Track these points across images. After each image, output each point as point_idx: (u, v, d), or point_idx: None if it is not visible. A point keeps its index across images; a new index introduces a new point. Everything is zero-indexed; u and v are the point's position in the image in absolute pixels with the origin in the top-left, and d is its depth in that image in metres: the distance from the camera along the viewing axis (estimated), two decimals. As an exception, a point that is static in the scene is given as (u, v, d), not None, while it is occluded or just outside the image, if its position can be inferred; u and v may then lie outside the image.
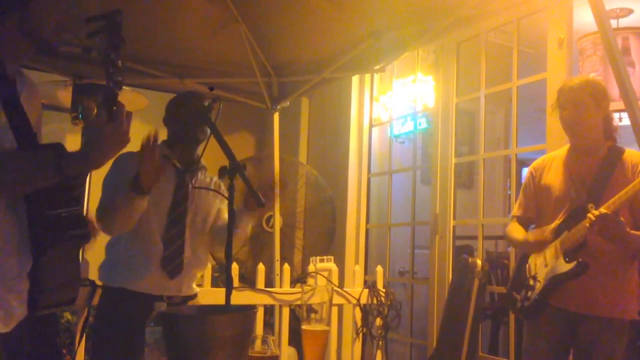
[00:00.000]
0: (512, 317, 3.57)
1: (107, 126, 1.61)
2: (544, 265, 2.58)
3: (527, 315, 2.67)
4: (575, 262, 2.45)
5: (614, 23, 4.13)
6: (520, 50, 3.68)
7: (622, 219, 2.34)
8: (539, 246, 2.59)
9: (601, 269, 2.46)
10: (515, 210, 2.82)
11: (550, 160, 2.72)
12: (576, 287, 2.48)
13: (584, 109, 2.54)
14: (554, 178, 2.65)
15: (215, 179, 2.73)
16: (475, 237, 3.97)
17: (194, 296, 2.73)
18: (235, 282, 3.25)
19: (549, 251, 2.57)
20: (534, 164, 2.80)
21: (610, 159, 2.53)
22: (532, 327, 2.68)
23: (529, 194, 2.76)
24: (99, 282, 2.68)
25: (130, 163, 2.35)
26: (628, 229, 2.35)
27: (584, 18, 3.38)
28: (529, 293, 2.63)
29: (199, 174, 2.69)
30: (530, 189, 2.75)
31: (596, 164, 2.55)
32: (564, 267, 2.48)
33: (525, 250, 2.72)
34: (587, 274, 2.44)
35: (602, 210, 2.32)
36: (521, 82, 3.65)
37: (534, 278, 2.62)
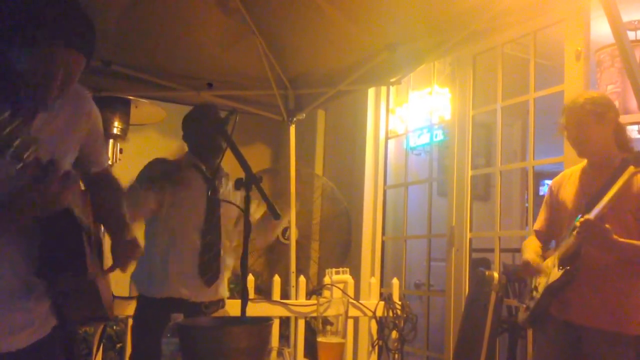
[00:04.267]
0: (530, 330, 3.53)
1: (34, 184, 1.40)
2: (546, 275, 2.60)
3: (528, 325, 2.70)
4: (564, 270, 2.45)
5: (631, 35, 4.10)
6: (537, 63, 3.67)
7: (607, 226, 2.30)
8: (529, 272, 2.62)
9: (602, 281, 2.44)
10: (536, 224, 2.83)
11: (569, 176, 2.73)
12: (578, 299, 2.48)
13: (586, 127, 2.53)
14: (569, 192, 2.65)
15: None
16: (492, 250, 3.94)
17: (223, 303, 2.74)
18: (251, 294, 3.27)
19: (550, 262, 2.58)
20: (554, 179, 2.81)
21: (621, 170, 2.51)
22: (539, 339, 2.69)
23: (548, 209, 2.77)
24: (134, 293, 2.72)
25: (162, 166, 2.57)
26: (615, 236, 2.30)
27: (602, 30, 3.36)
28: (531, 304, 2.65)
29: (224, 180, 2.77)
30: (549, 203, 2.76)
31: (608, 176, 2.53)
32: (556, 275, 2.49)
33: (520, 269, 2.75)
34: (589, 287, 2.43)
35: (586, 216, 2.32)
36: (538, 95, 3.64)
37: (536, 289, 2.64)
